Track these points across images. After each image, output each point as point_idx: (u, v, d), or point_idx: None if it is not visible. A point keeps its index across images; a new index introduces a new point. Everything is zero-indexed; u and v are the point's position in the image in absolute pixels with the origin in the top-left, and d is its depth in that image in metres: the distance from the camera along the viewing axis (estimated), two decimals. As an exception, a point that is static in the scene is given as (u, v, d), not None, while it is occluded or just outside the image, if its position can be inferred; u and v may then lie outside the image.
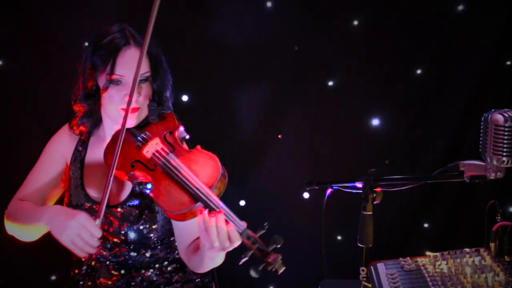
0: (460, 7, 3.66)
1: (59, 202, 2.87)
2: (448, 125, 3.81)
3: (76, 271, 2.87)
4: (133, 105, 2.55)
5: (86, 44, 3.50)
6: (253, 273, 2.22)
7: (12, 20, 3.55)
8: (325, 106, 3.84)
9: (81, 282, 2.85)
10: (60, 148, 2.85)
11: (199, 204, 2.31)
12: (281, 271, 2.23)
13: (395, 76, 3.77)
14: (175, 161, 2.43)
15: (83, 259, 2.54)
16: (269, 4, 3.72)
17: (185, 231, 2.70)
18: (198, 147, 2.50)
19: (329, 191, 2.68)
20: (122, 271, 2.79)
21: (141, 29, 2.63)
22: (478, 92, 3.74)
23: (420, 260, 2.52)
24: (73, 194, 2.77)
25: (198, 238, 2.57)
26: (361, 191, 2.50)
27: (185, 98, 3.65)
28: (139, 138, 2.56)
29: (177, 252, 2.83)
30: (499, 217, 2.51)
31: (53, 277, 3.87)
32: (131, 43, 2.60)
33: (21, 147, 3.59)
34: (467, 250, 2.53)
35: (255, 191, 3.89)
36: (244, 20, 3.73)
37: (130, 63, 2.55)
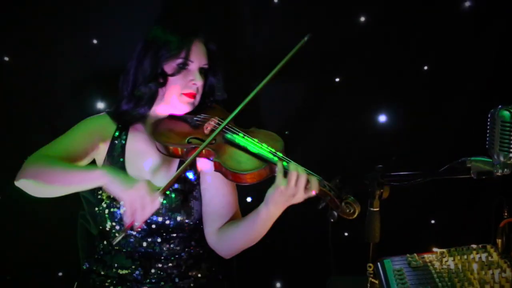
0: (467, 3, 3.65)
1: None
2: (455, 122, 3.81)
3: (87, 264, 2.91)
4: (194, 90, 2.81)
5: (95, 41, 3.53)
6: (334, 214, 2.41)
7: (17, 17, 3.55)
8: (332, 103, 3.83)
9: (94, 273, 2.88)
10: (98, 128, 2.89)
11: (268, 165, 2.49)
12: (357, 212, 2.43)
13: (402, 73, 3.76)
14: (238, 131, 2.65)
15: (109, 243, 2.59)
16: (275, 0, 3.72)
17: (222, 210, 2.82)
18: (254, 127, 2.78)
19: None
20: (140, 262, 2.81)
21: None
22: (485, 88, 3.73)
23: (427, 256, 2.52)
24: None
25: (231, 219, 2.83)
26: (368, 187, 2.50)
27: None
28: (195, 118, 2.82)
29: (194, 247, 2.89)
30: (506, 214, 2.50)
31: (60, 273, 3.88)
32: (198, 36, 2.85)
33: (26, 144, 3.58)
34: (474, 246, 2.53)
35: (262, 187, 3.88)
36: (250, 15, 3.73)
37: (199, 53, 2.82)
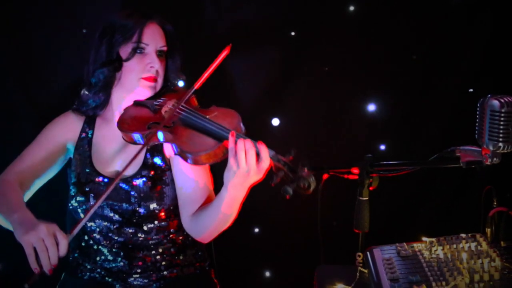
0: (457, -7, 3.66)
1: (59, 183, 2.91)
2: (444, 111, 3.81)
3: (76, 254, 2.90)
4: (153, 73, 2.76)
5: (85, 31, 3.51)
6: (288, 189, 2.25)
7: (7, 8, 3.53)
8: (321, 92, 3.83)
9: (80, 266, 2.88)
10: (62, 131, 2.90)
11: (224, 143, 2.40)
12: (313, 186, 2.28)
13: (390, 62, 3.76)
14: (194, 112, 2.57)
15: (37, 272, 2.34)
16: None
17: (194, 195, 2.76)
18: (213, 106, 2.67)
19: (325, 176, 2.68)
20: (124, 253, 2.81)
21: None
22: (474, 77, 3.73)
23: (416, 245, 2.52)
24: (81, 172, 2.81)
25: (204, 202, 2.74)
26: (357, 177, 2.51)
27: (180, 83, 3.63)
28: (155, 103, 2.73)
29: (176, 234, 2.88)
30: (495, 203, 2.51)
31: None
32: (152, 18, 2.80)
33: (14, 134, 3.58)
34: (463, 235, 2.53)
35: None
36: (240, 4, 3.72)
37: (154, 35, 2.78)
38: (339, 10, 3.74)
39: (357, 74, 3.77)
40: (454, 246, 2.45)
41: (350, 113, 3.85)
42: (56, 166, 2.90)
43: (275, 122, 3.86)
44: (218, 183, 2.82)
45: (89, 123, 2.91)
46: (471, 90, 3.73)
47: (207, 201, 2.76)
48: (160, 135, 2.53)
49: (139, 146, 2.57)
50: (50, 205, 3.17)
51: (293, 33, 3.76)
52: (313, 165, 2.68)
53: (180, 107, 2.61)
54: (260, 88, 3.84)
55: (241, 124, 2.51)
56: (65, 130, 2.90)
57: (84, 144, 2.88)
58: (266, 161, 2.33)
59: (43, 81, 3.63)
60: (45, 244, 2.27)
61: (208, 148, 2.42)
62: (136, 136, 2.60)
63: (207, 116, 2.55)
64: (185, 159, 2.47)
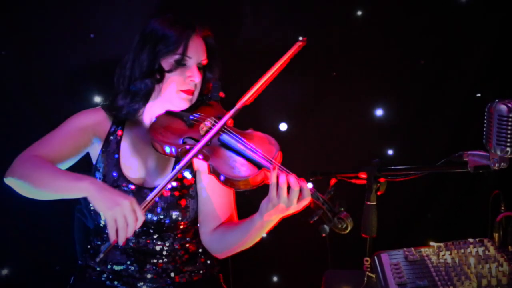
0: (464, -3, 3.66)
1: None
2: (452, 116, 3.81)
3: (86, 257, 2.91)
4: (192, 87, 2.75)
5: (92, 36, 3.52)
6: (326, 228, 2.30)
7: (14, 10, 3.54)
8: (329, 97, 3.83)
9: (90, 268, 2.89)
10: (92, 123, 2.86)
11: (262, 171, 2.41)
12: (350, 228, 2.33)
13: (398, 67, 3.76)
14: (233, 134, 2.57)
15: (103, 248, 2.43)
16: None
17: (217, 212, 2.79)
18: (251, 129, 2.67)
19: (333, 181, 2.68)
20: (135, 257, 2.82)
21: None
22: (482, 82, 3.73)
23: (424, 250, 2.52)
24: (108, 175, 2.79)
25: (226, 220, 2.78)
26: (365, 182, 2.51)
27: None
28: (191, 117, 2.73)
29: (190, 243, 2.89)
30: (503, 208, 2.51)
31: (57, 267, 3.88)
32: (196, 31, 2.77)
33: (22, 139, 3.58)
34: (471, 240, 2.53)
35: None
36: (248, 10, 3.72)
37: (197, 48, 2.76)
38: (346, 15, 3.74)
39: (365, 79, 3.77)
40: (462, 251, 2.45)
41: (358, 118, 3.85)
42: (77, 156, 2.83)
43: (283, 127, 3.86)
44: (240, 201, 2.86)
45: (118, 125, 2.87)
46: (479, 94, 3.74)
47: (229, 220, 2.80)
48: (199, 154, 2.53)
49: (169, 157, 2.65)
50: (56, 206, 3.17)
51: (301, 38, 3.75)
52: (321, 170, 2.70)
53: (223, 127, 2.60)
54: (268, 93, 3.84)
55: (279, 153, 2.53)
56: (94, 123, 2.85)
57: (112, 145, 2.84)
58: (308, 198, 2.36)
59: (50, 84, 3.63)
60: (127, 221, 2.32)
61: (248, 175, 2.42)
62: (169, 149, 2.60)
63: (245, 140, 2.54)
64: (222, 180, 2.47)
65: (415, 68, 3.78)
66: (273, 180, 2.35)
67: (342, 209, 2.35)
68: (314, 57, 3.75)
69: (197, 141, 2.54)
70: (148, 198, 2.41)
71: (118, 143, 2.85)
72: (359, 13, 3.73)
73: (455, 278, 2.25)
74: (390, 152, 3.87)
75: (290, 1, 3.73)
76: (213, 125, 2.61)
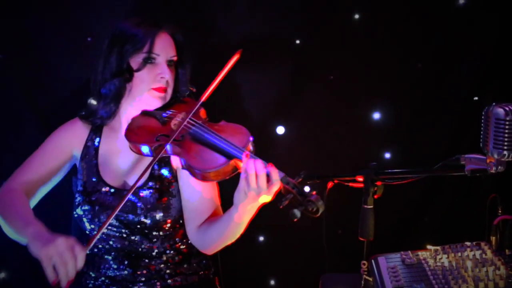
0: (462, 1, 3.65)
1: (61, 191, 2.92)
2: (449, 119, 3.81)
3: None
4: (163, 84, 2.75)
5: (89, 39, 3.52)
6: (296, 212, 2.26)
7: (12, 14, 3.54)
8: (326, 100, 3.83)
9: (85, 274, 2.89)
10: (69, 137, 2.89)
11: (233, 161, 2.41)
12: (321, 211, 2.28)
13: (396, 70, 3.76)
14: (203, 126, 2.57)
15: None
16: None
17: (200, 208, 2.78)
18: (223, 121, 2.67)
19: (330, 184, 2.69)
20: (128, 261, 2.81)
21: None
22: (479, 85, 3.73)
23: (421, 253, 2.52)
24: (87, 181, 2.82)
25: (211, 216, 2.75)
26: (362, 185, 2.51)
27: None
28: (163, 115, 2.74)
29: (181, 243, 2.88)
30: (500, 211, 2.51)
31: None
32: (162, 28, 2.79)
33: (18, 142, 3.58)
34: (468, 243, 2.53)
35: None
36: (245, 13, 3.72)
37: (164, 45, 2.77)
38: (344, 18, 3.74)
39: (362, 82, 3.77)
40: (459, 254, 2.45)
41: (355, 121, 3.85)
42: (61, 173, 2.90)
43: (280, 130, 3.86)
44: (224, 196, 2.84)
45: (96, 131, 2.91)
46: (476, 98, 3.73)
47: (214, 214, 2.78)
48: (169, 149, 2.54)
49: (147, 158, 2.59)
50: (53, 211, 3.17)
51: (298, 41, 3.76)
52: (318, 174, 2.70)
53: (190, 121, 2.61)
54: (265, 96, 3.84)
55: (251, 142, 2.52)
56: (71, 137, 2.89)
57: (91, 152, 2.87)
58: (277, 183, 2.33)
59: (47, 88, 3.63)
60: (64, 259, 2.27)
61: (217, 165, 2.43)
62: (144, 148, 2.60)
63: (218, 133, 2.54)
64: (194, 174, 2.48)
65: (412, 72, 3.78)
66: (243, 167, 2.35)
67: (314, 192, 2.31)
68: (311, 61, 3.76)
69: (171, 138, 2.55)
70: (94, 234, 2.43)
71: (96, 149, 2.88)
72: (357, 16, 3.73)
73: (452, 282, 2.25)
74: (387, 155, 3.86)
75: (287, 3, 3.73)
76: (183, 119, 2.63)
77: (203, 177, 2.46)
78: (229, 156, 2.43)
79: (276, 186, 2.33)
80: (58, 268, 2.26)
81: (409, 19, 3.69)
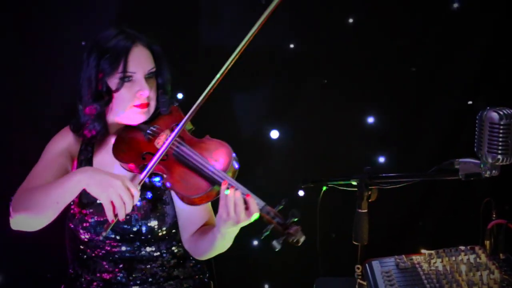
0: (455, 5, 3.66)
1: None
2: (443, 123, 3.82)
3: (75, 266, 2.89)
4: (144, 100, 2.68)
5: (83, 43, 3.51)
6: (276, 245, 2.28)
7: (6, 18, 3.53)
8: (320, 104, 3.83)
9: (80, 278, 2.87)
10: (66, 145, 2.85)
11: (216, 187, 2.43)
12: (301, 241, 2.29)
13: (390, 74, 3.77)
14: (187, 148, 2.57)
15: (101, 235, 2.54)
16: (263, 1, 3.71)
17: (193, 218, 2.78)
18: (207, 136, 2.65)
19: (324, 188, 2.69)
20: (123, 265, 2.80)
21: (139, 29, 2.73)
22: (474, 89, 3.74)
23: (415, 258, 2.52)
24: (83, 193, 2.77)
25: (204, 225, 2.76)
26: (356, 189, 2.51)
27: (180, 95, 3.64)
28: (148, 131, 2.70)
29: (176, 247, 2.87)
30: (494, 215, 2.51)
31: (49, 275, 3.86)
32: (136, 42, 2.68)
33: (14, 146, 3.58)
34: (462, 248, 2.53)
35: (250, 189, 3.88)
36: (238, 17, 3.72)
37: (140, 60, 2.67)
38: (338, 23, 3.75)
39: (356, 86, 3.78)
40: (453, 258, 2.45)
41: (349, 125, 3.85)
42: None
43: (274, 134, 3.86)
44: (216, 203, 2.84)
45: (88, 141, 2.85)
46: (470, 102, 3.74)
47: (207, 223, 2.79)
48: (154, 168, 2.51)
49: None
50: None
51: (292, 46, 3.76)
52: (312, 178, 2.70)
53: (175, 140, 2.58)
54: (259, 101, 3.84)
55: (234, 163, 2.53)
56: (68, 144, 2.85)
57: (84, 162, 2.84)
58: (255, 213, 2.36)
59: (42, 92, 3.63)
60: (124, 199, 2.33)
61: (201, 191, 2.45)
62: (132, 166, 2.62)
63: (199, 155, 2.53)
64: (180, 198, 2.51)
65: (406, 76, 3.78)
66: (221, 195, 2.39)
67: (295, 220, 2.31)
68: (305, 65, 3.76)
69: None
70: (141, 176, 2.44)
71: (89, 160, 2.85)
72: (350, 20, 3.74)
73: (447, 286, 2.25)
74: (382, 159, 3.87)
75: (281, 7, 3.73)
76: (168, 140, 2.54)
77: (188, 201, 2.49)
78: (212, 182, 2.45)
79: (256, 216, 2.37)
80: (118, 209, 2.34)
81: (403, 23, 3.70)
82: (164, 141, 2.59)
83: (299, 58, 3.76)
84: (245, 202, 2.37)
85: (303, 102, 3.84)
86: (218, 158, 2.54)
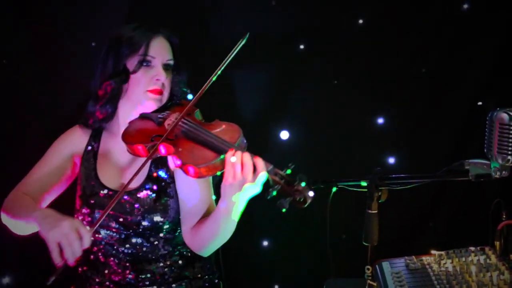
0: (465, 6, 3.66)
1: (67, 199, 2.93)
2: (453, 124, 3.81)
3: (85, 268, 2.90)
4: (159, 86, 2.80)
5: (93, 44, 3.53)
6: (283, 203, 2.31)
7: (17, 20, 3.55)
8: (330, 105, 3.83)
9: (89, 279, 2.88)
10: (69, 145, 2.93)
11: (223, 156, 2.46)
12: (309, 200, 2.33)
13: (400, 75, 3.77)
14: (196, 125, 2.63)
15: (63, 266, 2.39)
16: (273, 2, 3.73)
17: (194, 209, 2.78)
18: (216, 120, 2.72)
19: (334, 189, 2.69)
20: (132, 265, 2.81)
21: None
22: (483, 90, 3.73)
23: (425, 258, 2.52)
24: (87, 185, 2.84)
25: (204, 216, 2.75)
26: (366, 190, 2.51)
27: (189, 96, 3.64)
28: (159, 116, 2.76)
29: (184, 248, 2.87)
30: (504, 216, 2.51)
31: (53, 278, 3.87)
32: (158, 32, 2.84)
33: (23, 146, 3.59)
34: (472, 248, 2.53)
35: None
36: (248, 18, 3.73)
37: (160, 48, 2.82)
38: (348, 23, 3.75)
39: (366, 87, 3.78)
40: (463, 259, 2.45)
41: (359, 126, 3.85)
42: (65, 180, 2.92)
43: (284, 135, 3.86)
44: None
45: (95, 136, 2.94)
46: (480, 103, 3.73)
47: (207, 215, 2.76)
48: (162, 148, 2.58)
49: (143, 159, 2.60)
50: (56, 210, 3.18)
51: (302, 46, 3.77)
52: (322, 179, 2.70)
53: (183, 120, 2.65)
54: (269, 101, 3.84)
55: (243, 138, 2.58)
56: (71, 143, 2.93)
57: (90, 157, 2.90)
58: (262, 173, 2.37)
59: (52, 93, 3.64)
60: (70, 239, 2.31)
61: (208, 160, 2.48)
62: (140, 148, 2.64)
63: (209, 130, 2.60)
64: (187, 172, 2.52)
65: (416, 77, 3.78)
66: (228, 159, 2.41)
67: (302, 182, 2.35)
68: (316, 65, 3.76)
69: (165, 137, 2.59)
70: (99, 216, 2.51)
71: (95, 154, 2.91)
72: (361, 21, 3.74)
73: (457, 287, 2.25)
74: (392, 160, 3.86)
75: (291, 8, 3.74)
76: (177, 119, 2.66)
77: (195, 173, 2.49)
78: (220, 152, 2.48)
79: (263, 176, 2.38)
80: (65, 249, 2.31)
81: (413, 24, 3.70)
82: (174, 120, 2.66)
83: (310, 59, 3.76)
84: (253, 164, 2.39)
85: (314, 103, 3.84)
86: (227, 132, 2.60)
